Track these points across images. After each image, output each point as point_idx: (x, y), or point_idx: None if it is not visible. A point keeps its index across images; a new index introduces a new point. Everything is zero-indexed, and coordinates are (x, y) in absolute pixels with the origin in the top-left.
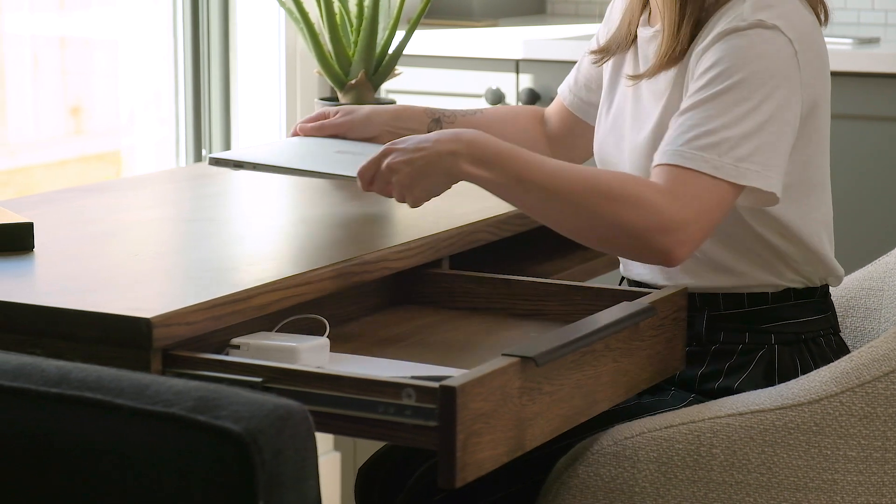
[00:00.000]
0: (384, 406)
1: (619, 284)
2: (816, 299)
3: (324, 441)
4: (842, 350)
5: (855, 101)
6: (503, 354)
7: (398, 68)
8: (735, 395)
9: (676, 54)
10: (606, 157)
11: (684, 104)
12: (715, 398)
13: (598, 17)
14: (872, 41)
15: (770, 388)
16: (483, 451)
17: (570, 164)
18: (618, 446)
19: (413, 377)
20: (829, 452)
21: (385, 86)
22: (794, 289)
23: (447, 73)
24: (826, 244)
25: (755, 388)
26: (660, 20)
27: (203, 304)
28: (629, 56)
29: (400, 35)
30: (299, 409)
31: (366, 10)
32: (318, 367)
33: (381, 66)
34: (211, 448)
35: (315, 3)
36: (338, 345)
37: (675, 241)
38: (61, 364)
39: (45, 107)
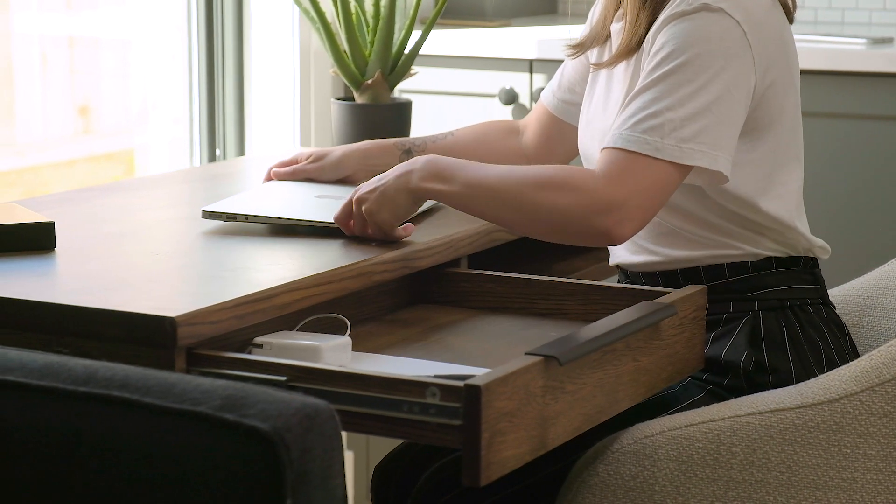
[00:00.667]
0: (409, 405)
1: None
2: (800, 269)
3: None
4: (834, 322)
5: (869, 100)
6: (526, 353)
7: (414, 68)
8: (755, 395)
9: (633, 44)
10: (586, 150)
11: (635, 88)
12: (705, 370)
13: None
14: (885, 41)
15: (790, 387)
16: (507, 449)
17: (517, 167)
18: (638, 445)
19: (436, 376)
20: (848, 451)
21: (400, 85)
22: (775, 258)
23: (461, 73)
24: (799, 216)
25: (742, 354)
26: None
27: (226, 303)
28: (604, 51)
29: (416, 35)
30: (326, 408)
31: (382, 9)
32: (341, 366)
33: (397, 66)
34: (239, 447)
35: (331, 3)
36: (358, 344)
37: (612, 220)
38: (88, 363)
39: (54, 106)
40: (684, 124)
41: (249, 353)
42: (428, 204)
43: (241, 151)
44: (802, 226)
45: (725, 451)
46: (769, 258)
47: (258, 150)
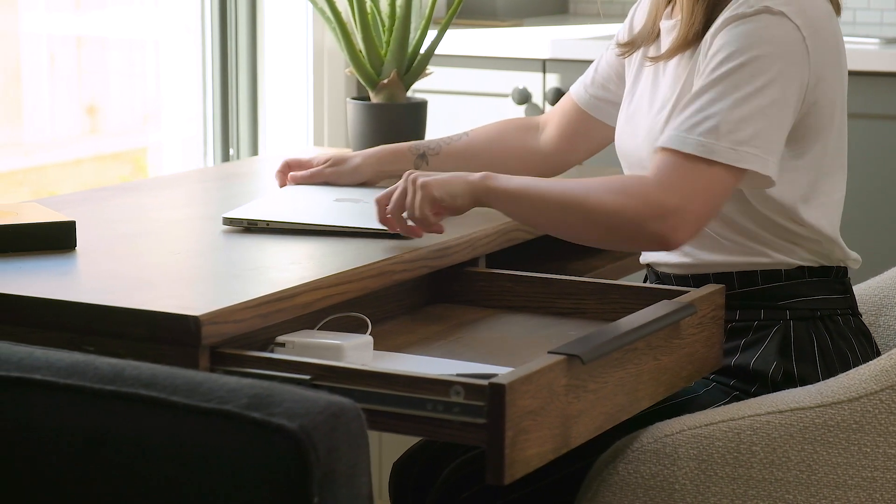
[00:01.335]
0: (432, 403)
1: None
2: (832, 279)
3: None
4: (861, 332)
5: (882, 100)
6: (549, 352)
7: (429, 68)
8: (775, 394)
9: (690, 38)
10: (624, 147)
11: (693, 90)
12: (733, 376)
13: (621, 16)
14: None
15: (809, 386)
16: (530, 448)
17: (573, 179)
18: (658, 443)
19: (459, 375)
20: (868, 450)
21: (414, 85)
22: (808, 267)
23: (474, 73)
24: (838, 227)
25: (771, 364)
26: (677, 12)
27: (249, 302)
28: (652, 49)
29: (431, 35)
30: (352, 407)
31: (398, 9)
32: (364, 365)
33: (412, 66)
34: (266, 445)
35: (347, 3)
36: (379, 343)
37: (668, 226)
38: (115, 362)
39: (61, 106)
40: (739, 127)
41: (272, 351)
42: None
43: (254, 151)
44: (839, 237)
45: (745, 449)
46: (802, 267)
47: (271, 149)
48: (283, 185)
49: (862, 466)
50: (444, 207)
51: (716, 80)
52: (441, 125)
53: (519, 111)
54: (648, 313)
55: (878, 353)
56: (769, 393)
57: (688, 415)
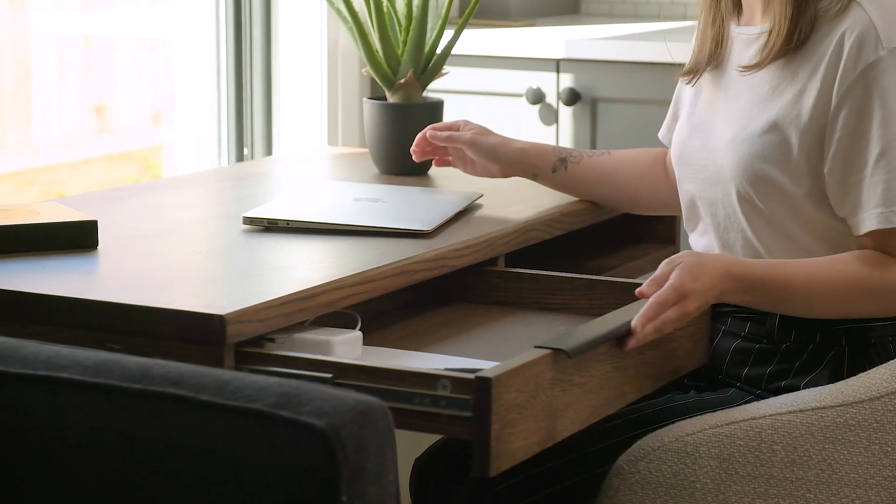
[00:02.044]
0: (420, 397)
1: None
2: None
3: None
4: None
5: None
6: (535, 347)
7: (445, 68)
8: (796, 392)
9: (793, 43)
10: (690, 158)
11: (844, 154)
12: (779, 394)
13: (633, 16)
14: None
15: (830, 385)
16: (516, 441)
17: (818, 268)
18: (679, 443)
19: (447, 369)
20: (889, 449)
21: (430, 85)
22: None
23: (488, 73)
24: None
25: None
26: (760, 19)
27: (273, 301)
28: (721, 65)
29: (447, 35)
30: (379, 405)
31: (415, 9)
32: (353, 359)
33: (429, 66)
34: (294, 443)
35: (364, 3)
36: (374, 338)
37: None
38: (142, 360)
39: (70, 106)
40: None
41: (264, 347)
42: (465, 203)
43: (268, 151)
44: None
45: (766, 448)
46: None
47: (286, 149)
48: (419, 156)
49: (883, 465)
50: None
51: (884, 141)
52: None
53: (532, 111)
54: (635, 308)
55: None
56: None
57: (709, 414)
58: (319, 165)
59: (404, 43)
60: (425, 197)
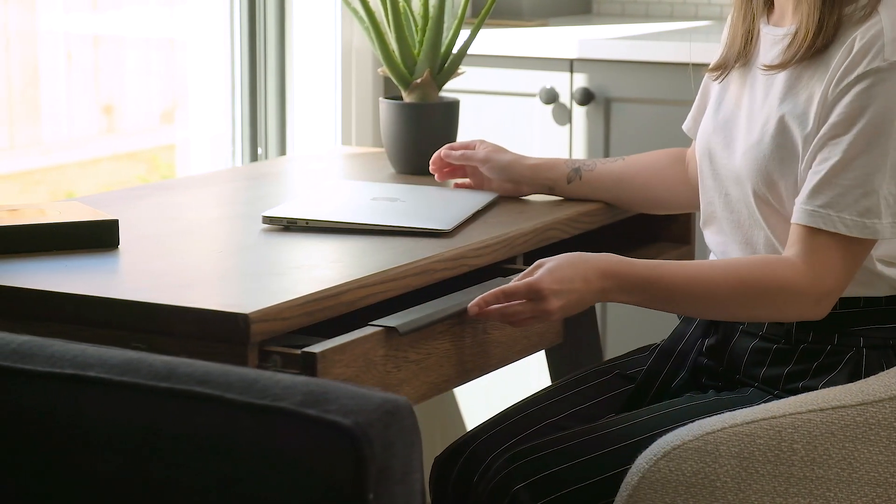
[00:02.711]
0: None
1: None
2: None
3: None
4: None
5: None
6: (369, 324)
7: (461, 67)
8: (816, 391)
9: (818, 46)
10: (713, 155)
11: (822, 151)
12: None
13: (644, 16)
14: None
15: (850, 384)
16: None
17: (709, 268)
18: (699, 441)
19: (281, 345)
20: None
21: (446, 85)
22: (886, 297)
23: (501, 73)
24: None
25: None
26: (790, 21)
27: (297, 300)
28: (749, 62)
29: (463, 34)
30: (405, 404)
31: (432, 9)
32: None
33: (445, 66)
34: (321, 442)
35: (380, 3)
36: None
37: (822, 308)
38: (168, 359)
39: (79, 105)
40: (888, 200)
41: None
42: (484, 202)
43: (282, 151)
44: None
45: (787, 447)
46: (880, 297)
47: (299, 149)
48: (439, 176)
49: None
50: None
51: (858, 148)
52: (468, 125)
53: (546, 111)
54: (477, 290)
55: None
56: None
57: (728, 413)
58: (334, 165)
59: (420, 43)
60: (443, 196)
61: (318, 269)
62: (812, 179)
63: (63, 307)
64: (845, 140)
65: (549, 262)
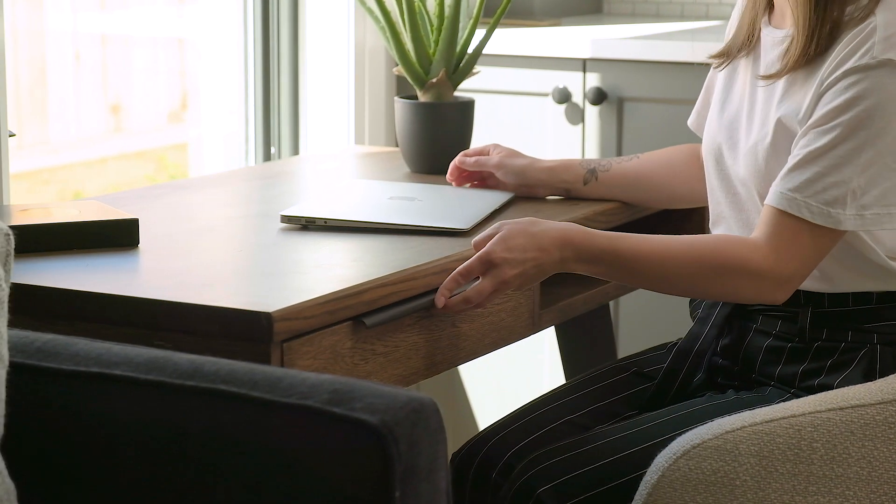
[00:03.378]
0: None
1: None
2: None
3: None
4: None
5: None
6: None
7: (476, 67)
8: (835, 390)
9: (810, 54)
10: (719, 156)
11: (804, 138)
12: (813, 393)
13: (655, 16)
14: None
15: (870, 383)
16: None
17: (670, 242)
18: (719, 440)
19: None
20: None
21: (461, 84)
22: None
23: (514, 73)
24: None
25: None
26: (789, 23)
27: (319, 298)
28: (752, 57)
29: (479, 34)
30: (430, 402)
31: (447, 8)
32: None
33: (460, 65)
34: (348, 440)
35: (395, 3)
36: None
37: (782, 293)
38: (193, 357)
39: (87, 105)
40: (866, 191)
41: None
42: (501, 202)
43: (295, 150)
44: None
45: (806, 446)
46: (892, 292)
47: (313, 148)
48: (457, 183)
49: None
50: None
51: (836, 139)
52: (481, 124)
53: (559, 110)
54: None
55: None
56: None
57: (748, 412)
58: (348, 164)
59: (436, 42)
60: (460, 196)
61: (339, 267)
62: (789, 163)
63: (86, 306)
64: (825, 130)
65: (503, 230)
